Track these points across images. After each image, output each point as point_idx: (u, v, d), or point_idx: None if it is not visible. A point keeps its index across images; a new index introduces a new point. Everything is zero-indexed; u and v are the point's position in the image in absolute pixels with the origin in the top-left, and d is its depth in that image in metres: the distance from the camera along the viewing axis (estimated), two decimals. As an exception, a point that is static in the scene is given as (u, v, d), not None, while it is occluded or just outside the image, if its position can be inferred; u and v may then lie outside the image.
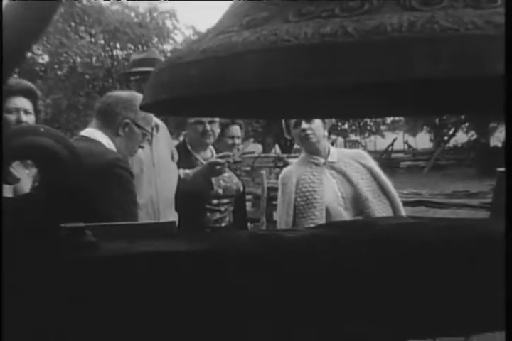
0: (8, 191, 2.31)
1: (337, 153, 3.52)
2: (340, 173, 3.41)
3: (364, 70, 0.80)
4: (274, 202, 6.79)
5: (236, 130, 4.19)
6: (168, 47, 23.42)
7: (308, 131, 3.37)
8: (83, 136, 2.76)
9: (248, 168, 15.75)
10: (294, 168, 3.49)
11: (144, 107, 1.07)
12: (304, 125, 3.36)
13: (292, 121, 3.40)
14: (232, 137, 4.23)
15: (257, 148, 26.83)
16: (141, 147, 2.99)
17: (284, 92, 1.13)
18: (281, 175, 3.59)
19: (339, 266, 1.09)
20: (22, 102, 3.02)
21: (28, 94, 3.07)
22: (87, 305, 0.98)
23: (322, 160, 3.44)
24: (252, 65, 0.86)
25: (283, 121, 3.53)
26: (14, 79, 3.30)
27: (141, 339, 1.02)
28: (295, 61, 0.84)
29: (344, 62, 0.81)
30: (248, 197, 8.12)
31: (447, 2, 0.85)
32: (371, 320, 1.12)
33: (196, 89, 0.90)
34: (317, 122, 3.40)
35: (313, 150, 3.46)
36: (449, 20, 0.81)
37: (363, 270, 1.09)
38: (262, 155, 20.25)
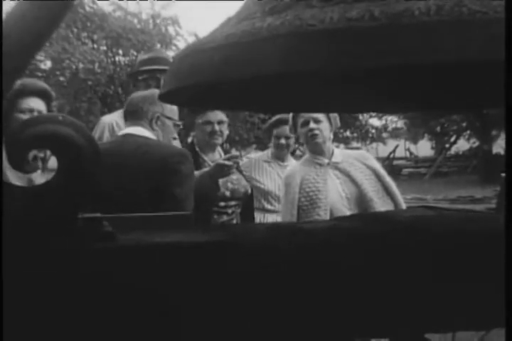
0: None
1: (341, 153, 3.51)
2: (344, 174, 3.40)
3: (392, 53, 0.79)
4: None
5: (287, 130, 4.19)
6: (170, 54, 23.37)
7: (316, 131, 3.37)
8: (129, 134, 2.81)
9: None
10: (298, 168, 3.48)
11: (164, 96, 1.06)
12: (312, 125, 3.36)
13: (300, 120, 3.40)
14: (281, 137, 4.26)
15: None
16: (175, 138, 3.02)
17: (307, 79, 1.12)
18: (284, 175, 3.58)
19: (355, 259, 1.08)
20: (36, 103, 3.02)
21: (42, 95, 3.08)
22: (103, 294, 0.97)
23: (326, 161, 3.43)
24: (277, 49, 0.85)
25: (290, 120, 3.52)
26: (29, 80, 3.31)
27: (160, 328, 1.01)
28: (321, 45, 0.83)
29: (372, 46, 0.80)
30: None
31: (474, -14, 0.84)
32: (388, 314, 1.11)
33: (221, 74, 0.90)
34: (325, 123, 3.40)
35: (318, 150, 3.45)
36: (477, 3, 0.80)
37: (379, 264, 1.08)
38: (264, 161, 20.21)
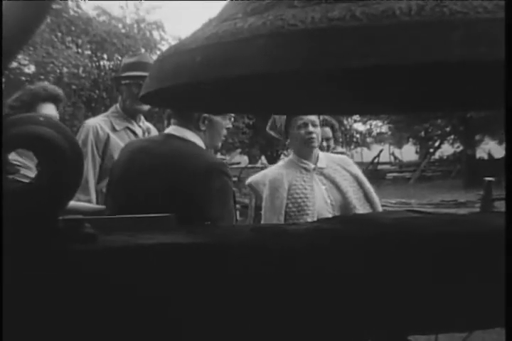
0: None
1: (325, 158, 3.50)
2: (329, 180, 3.39)
3: (373, 54, 0.79)
4: (261, 212, 6.75)
5: (327, 132, 4.17)
6: (155, 58, 23.34)
7: (314, 135, 3.35)
8: (173, 135, 2.68)
9: (235, 179, 15.80)
10: (284, 172, 3.42)
11: (146, 97, 1.06)
12: (311, 128, 3.35)
13: (298, 122, 3.36)
14: (322, 140, 4.23)
15: (243, 159, 26.83)
16: (229, 128, 2.88)
17: (289, 80, 1.12)
18: (270, 178, 3.48)
19: (339, 261, 1.08)
20: (49, 109, 3.05)
21: (55, 99, 3.10)
22: (85, 297, 0.97)
23: (312, 166, 3.42)
24: (258, 49, 0.85)
25: (283, 121, 3.46)
26: (46, 85, 3.33)
27: (143, 332, 1.00)
28: (302, 45, 0.83)
29: (353, 46, 0.80)
30: (236, 206, 8.12)
31: (455, -13, 0.85)
32: (372, 315, 1.11)
33: (202, 75, 0.89)
34: (319, 128, 3.39)
35: (307, 154, 3.43)
36: (458, 3, 0.81)
37: (363, 265, 1.08)
38: (249, 166, 20.28)
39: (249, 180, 5.10)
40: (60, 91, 3.19)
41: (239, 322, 1.04)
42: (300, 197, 3.31)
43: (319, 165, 3.44)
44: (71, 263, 0.97)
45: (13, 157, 2.69)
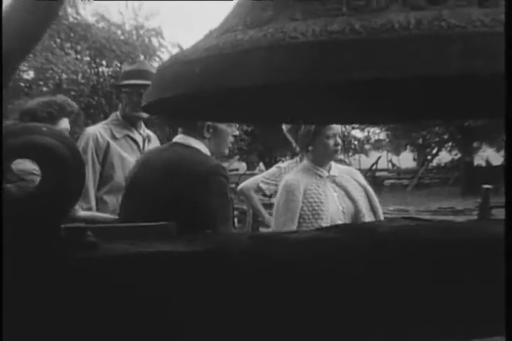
0: None
1: (336, 167, 3.60)
2: (341, 188, 3.50)
3: (372, 67, 0.80)
4: (259, 219, 6.76)
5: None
6: (154, 65, 23.35)
7: (339, 147, 3.51)
8: (178, 143, 2.74)
9: (233, 185, 15.81)
10: (299, 177, 3.51)
11: (147, 107, 1.07)
12: (339, 140, 3.49)
13: (330, 132, 3.47)
14: None
15: (242, 166, 26.85)
16: (235, 135, 2.92)
17: (288, 89, 1.13)
18: (286, 183, 3.54)
19: (341, 268, 1.08)
20: (66, 123, 3.22)
21: (71, 114, 3.20)
22: (87, 305, 0.97)
23: (326, 173, 3.53)
24: (258, 61, 0.86)
25: (312, 129, 3.50)
26: (63, 97, 3.40)
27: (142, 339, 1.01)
28: (303, 57, 0.84)
29: (353, 59, 0.81)
30: (234, 213, 8.13)
31: (453, 1, 0.86)
32: (370, 323, 1.11)
33: (201, 85, 0.90)
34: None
35: (324, 163, 3.56)
36: (456, 18, 0.82)
37: (364, 272, 1.08)
38: (247, 172, 20.31)
39: (241, 185, 5.19)
40: (76, 105, 3.28)
41: (238, 331, 1.05)
42: (315, 202, 3.40)
43: (332, 173, 3.56)
44: (72, 270, 0.98)
45: (29, 166, 2.70)
